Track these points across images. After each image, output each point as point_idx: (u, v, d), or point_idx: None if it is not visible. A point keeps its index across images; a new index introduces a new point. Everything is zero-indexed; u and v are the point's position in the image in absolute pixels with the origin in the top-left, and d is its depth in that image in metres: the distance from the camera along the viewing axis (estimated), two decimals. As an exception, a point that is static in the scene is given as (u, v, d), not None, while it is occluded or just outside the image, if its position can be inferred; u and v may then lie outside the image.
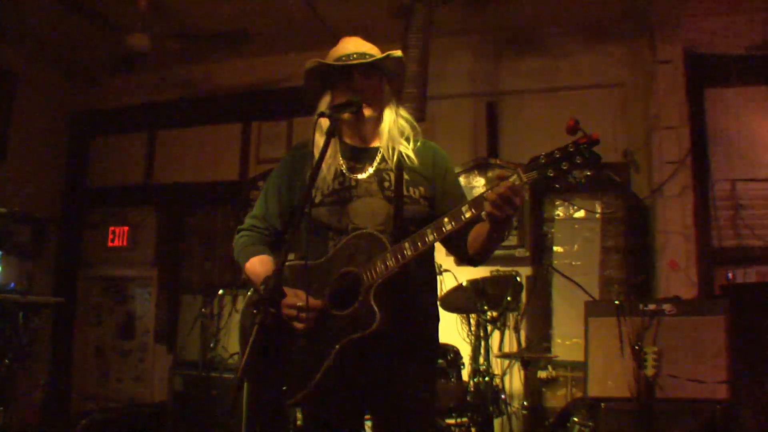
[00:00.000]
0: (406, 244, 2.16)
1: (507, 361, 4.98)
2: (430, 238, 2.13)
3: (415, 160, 2.39)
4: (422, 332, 2.37)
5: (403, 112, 2.50)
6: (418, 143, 2.47)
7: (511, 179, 2.00)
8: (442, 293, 4.50)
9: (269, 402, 2.36)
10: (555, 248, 5.62)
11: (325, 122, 2.38)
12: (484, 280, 4.50)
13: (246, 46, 5.88)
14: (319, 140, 2.37)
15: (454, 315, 5.06)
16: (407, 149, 2.42)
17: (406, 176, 2.37)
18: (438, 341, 2.49)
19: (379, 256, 2.18)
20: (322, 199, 2.38)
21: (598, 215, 5.52)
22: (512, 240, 5.56)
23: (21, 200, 6.37)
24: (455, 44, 5.94)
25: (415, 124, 2.51)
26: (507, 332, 5.31)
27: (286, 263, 2.35)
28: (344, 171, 2.40)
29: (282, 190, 2.51)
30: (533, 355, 4.72)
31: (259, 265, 2.40)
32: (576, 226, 5.60)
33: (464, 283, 4.46)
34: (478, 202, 2.07)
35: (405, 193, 2.35)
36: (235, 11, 5.62)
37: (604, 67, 5.57)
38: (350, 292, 2.20)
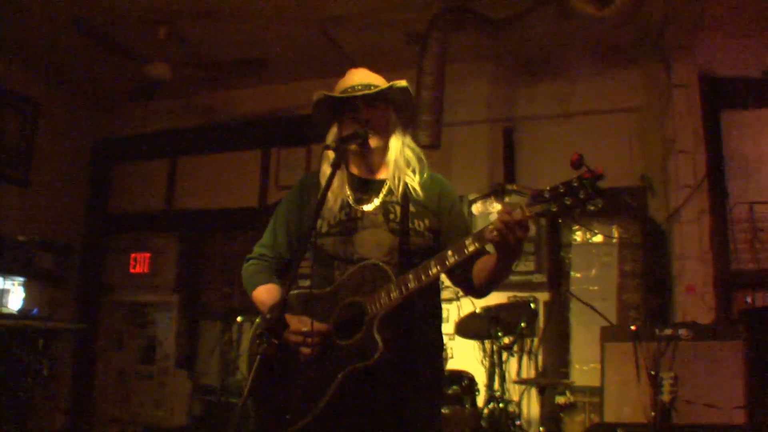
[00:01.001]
0: (410, 276, 2.18)
1: (524, 387, 4.97)
2: (434, 271, 2.16)
3: (421, 193, 2.42)
4: (426, 362, 2.37)
5: (409, 142, 2.53)
6: (425, 175, 2.50)
7: (514, 214, 2.04)
8: (458, 319, 4.53)
9: (273, 429, 2.36)
10: (572, 273, 5.60)
11: (331, 154, 2.44)
12: (498, 306, 4.52)
13: (265, 73, 5.97)
14: (326, 171, 2.42)
15: (471, 341, 5.07)
16: (413, 181, 2.45)
17: (411, 209, 2.40)
18: (442, 370, 2.55)
19: (383, 287, 2.21)
20: (329, 229, 2.41)
21: (615, 240, 5.51)
22: (529, 266, 5.57)
23: (43, 227, 6.52)
24: (471, 71, 5.99)
25: (421, 155, 2.54)
26: (524, 358, 5.31)
27: (293, 292, 2.40)
28: (350, 202, 2.44)
29: (290, 219, 2.55)
30: (549, 380, 4.72)
31: (265, 293, 2.44)
32: (593, 251, 5.59)
33: (478, 310, 4.48)
34: (481, 235, 2.11)
35: (410, 225, 2.37)
36: (253, 39, 5.72)
37: (619, 91, 5.59)
38: (354, 322, 2.23)
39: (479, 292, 2.38)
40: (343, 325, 2.26)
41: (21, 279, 6.28)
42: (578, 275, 5.59)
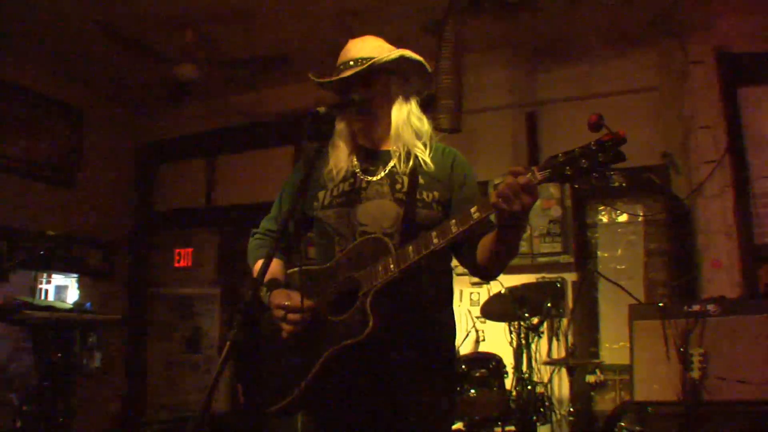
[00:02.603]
0: (410, 249, 1.93)
1: (554, 367, 4.71)
2: (435, 242, 1.89)
3: (431, 165, 2.18)
4: (431, 343, 2.11)
5: (416, 110, 2.27)
6: (438, 149, 2.26)
7: (527, 175, 1.76)
8: (483, 302, 4.29)
9: (259, 406, 2.14)
10: (599, 253, 5.34)
11: (340, 126, 2.25)
12: (524, 286, 4.28)
13: (291, 71, 5.81)
14: (336, 142, 2.25)
15: (500, 323, 4.83)
16: (423, 153, 2.20)
17: (420, 180, 2.15)
18: (452, 353, 2.25)
19: (381, 261, 1.96)
20: (331, 200, 2.20)
21: (640, 218, 5.23)
22: (556, 247, 5.31)
23: (92, 226, 6.47)
24: (491, 57, 5.74)
25: (428, 124, 2.29)
26: (552, 338, 5.07)
27: (293, 269, 2.22)
28: (357, 172, 2.22)
29: (295, 191, 2.29)
30: (579, 361, 4.45)
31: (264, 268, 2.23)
32: (619, 230, 5.32)
33: (503, 291, 4.23)
34: (486, 202, 1.84)
35: (418, 196, 2.12)
36: (275, 38, 5.56)
37: (636, 71, 5.28)
38: (351, 298, 2.00)
39: (486, 273, 2.11)
40: (339, 301, 2.03)
41: (75, 275, 6.28)
42: (605, 255, 5.33)
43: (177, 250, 7.10)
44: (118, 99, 6.94)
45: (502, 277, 5.15)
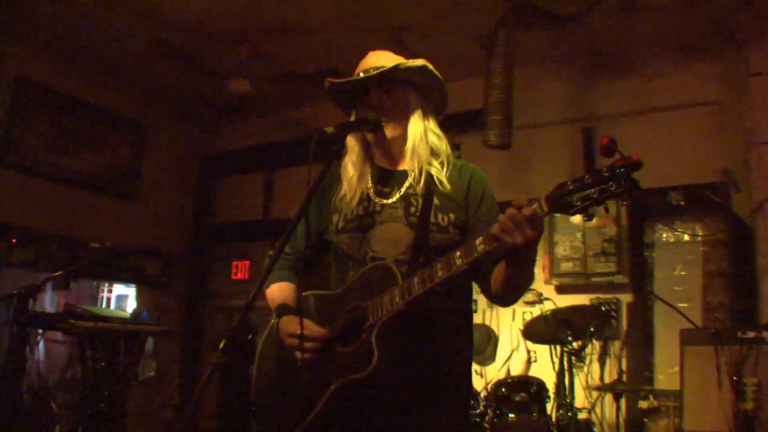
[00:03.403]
0: (415, 280, 1.86)
1: (600, 393, 4.55)
2: (440, 274, 1.82)
3: (447, 185, 2.10)
4: (444, 375, 2.02)
5: (434, 126, 2.21)
6: (456, 165, 2.18)
7: (533, 207, 1.68)
8: (526, 323, 4.19)
9: None
10: (656, 274, 5.14)
11: (351, 143, 2.21)
12: (568, 309, 4.14)
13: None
14: (347, 163, 2.20)
15: (544, 346, 4.73)
16: (439, 172, 2.13)
17: (435, 201, 2.07)
18: (468, 387, 2.17)
19: (388, 291, 1.90)
20: (344, 225, 2.13)
21: (699, 238, 5.02)
22: (611, 266, 5.16)
23: (151, 237, 6.66)
24: (545, 71, 5.66)
25: (446, 142, 2.22)
26: (607, 360, 4.92)
27: (308, 293, 2.17)
28: (371, 195, 2.15)
29: (311, 212, 2.26)
30: (626, 386, 4.28)
31: (278, 291, 2.20)
32: (677, 250, 5.11)
33: (546, 313, 4.12)
34: (490, 233, 1.76)
35: (432, 219, 2.04)
36: (329, 53, 5.61)
37: (696, 84, 5.09)
38: (357, 328, 1.95)
39: (500, 301, 2.03)
40: (348, 331, 1.98)
41: (134, 285, 6.49)
42: (662, 275, 5.12)
43: (235, 263, 7.22)
44: (179, 114, 7.16)
45: (554, 296, 5.16)
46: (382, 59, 2.20)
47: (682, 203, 4.92)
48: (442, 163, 2.17)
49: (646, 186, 5.00)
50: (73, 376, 5.26)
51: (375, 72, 2.13)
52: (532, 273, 1.95)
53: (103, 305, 6.31)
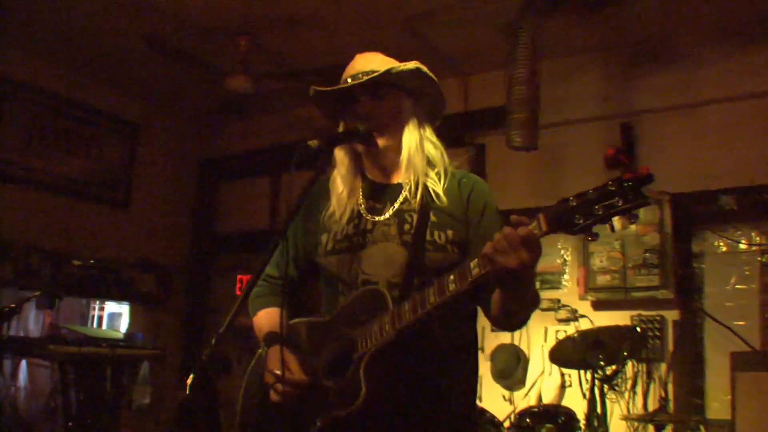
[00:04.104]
0: (407, 307, 1.87)
1: (641, 424, 4.50)
2: (432, 300, 1.83)
3: (444, 198, 2.12)
4: (442, 417, 2.02)
5: (430, 135, 2.22)
6: (455, 176, 2.20)
7: (530, 226, 1.69)
8: (552, 345, 4.16)
9: None
10: (706, 288, 5.08)
11: (339, 155, 2.22)
12: (600, 330, 4.10)
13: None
14: (336, 176, 2.22)
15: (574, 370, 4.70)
16: (435, 184, 2.14)
17: (432, 217, 2.08)
18: (471, 421, 2.16)
19: (378, 318, 1.91)
20: (334, 245, 2.15)
21: (756, 248, 4.94)
22: (654, 280, 5.08)
23: (145, 249, 6.73)
24: (578, 62, 5.62)
25: (444, 152, 2.23)
26: (651, 385, 4.88)
27: (295, 320, 2.19)
28: (362, 212, 2.16)
29: (297, 232, 2.30)
30: (670, 417, 4.23)
31: (265, 318, 2.23)
32: (730, 260, 5.05)
33: (574, 335, 4.09)
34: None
35: (428, 237, 2.05)
36: (339, 46, 5.62)
37: (750, 74, 4.99)
38: (346, 359, 1.96)
39: (502, 326, 2.06)
40: (336, 361, 1.99)
41: (127, 303, 6.55)
42: (712, 290, 5.07)
43: (239, 276, 7.24)
44: (176, 113, 7.24)
45: (590, 313, 5.13)
46: (371, 63, 2.21)
47: (734, 208, 4.86)
48: (438, 175, 2.18)
49: (693, 189, 4.95)
50: (59, 404, 5.33)
51: (365, 77, 2.13)
52: (533, 296, 1.95)
53: (94, 324, 6.38)
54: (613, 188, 1.60)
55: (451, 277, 1.82)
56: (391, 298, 1.94)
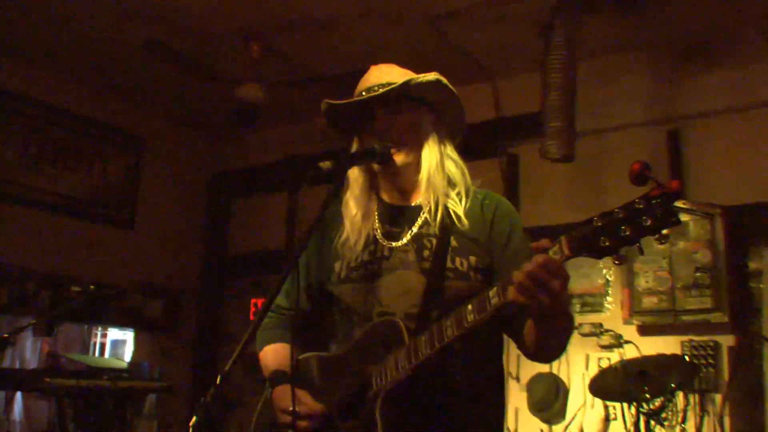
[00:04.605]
0: (423, 340, 1.88)
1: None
2: (450, 332, 1.84)
3: (466, 221, 2.12)
4: None
5: (451, 152, 2.23)
6: (477, 197, 2.20)
7: (551, 251, 1.69)
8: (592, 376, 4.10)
9: None
10: (764, 310, 4.96)
11: (355, 175, 2.22)
12: (644, 359, 4.03)
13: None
14: (349, 200, 2.22)
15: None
16: (456, 205, 2.15)
17: (453, 242, 2.10)
18: None
19: (394, 353, 1.93)
20: (348, 273, 2.16)
21: (823, 264, 4.87)
22: (706, 302, 4.99)
23: (152, 272, 6.76)
24: (619, 63, 5.59)
25: (465, 170, 2.24)
26: (704, 418, 4.78)
27: (303, 355, 2.19)
28: (378, 237, 2.18)
29: (309, 259, 2.31)
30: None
31: (271, 355, 2.24)
32: (793, 280, 4.96)
33: (616, 365, 4.03)
34: (507, 285, 1.76)
35: (449, 264, 2.06)
36: (358, 50, 5.64)
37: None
38: (361, 398, 1.97)
39: (538, 359, 2.07)
40: (351, 401, 2.00)
41: (131, 329, 6.57)
42: (773, 312, 4.96)
43: (254, 300, 7.25)
44: (184, 126, 7.30)
45: (636, 338, 5.07)
46: (387, 74, 2.22)
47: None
48: (460, 195, 2.19)
49: (748, 201, 4.88)
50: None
51: (381, 90, 2.14)
52: (569, 322, 1.95)
53: (96, 353, 6.41)
54: (641, 206, 1.59)
55: (469, 307, 1.82)
56: (407, 330, 1.95)
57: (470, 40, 5.52)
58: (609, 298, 5.39)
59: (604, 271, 5.44)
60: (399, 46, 5.63)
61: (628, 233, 1.59)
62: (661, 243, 1.60)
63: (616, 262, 1.66)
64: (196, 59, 5.46)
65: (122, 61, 6.02)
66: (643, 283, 5.12)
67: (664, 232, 1.58)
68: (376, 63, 5.51)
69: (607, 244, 1.62)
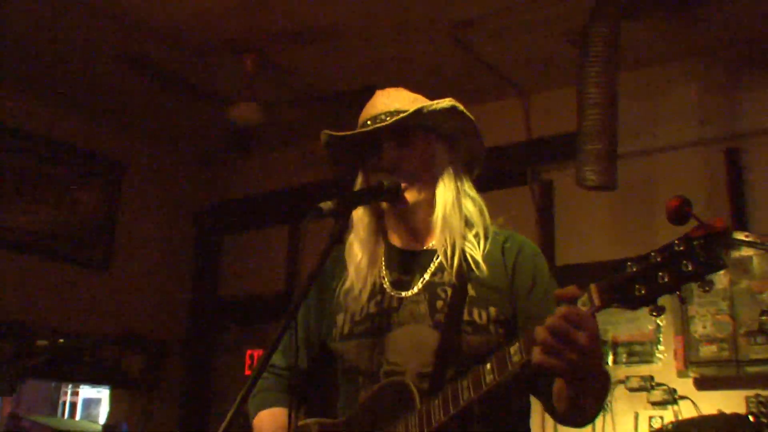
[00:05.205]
0: (437, 403, 1.88)
1: None
2: (466, 395, 1.83)
3: (485, 267, 2.12)
4: None
5: (469, 188, 2.26)
6: (497, 239, 2.21)
7: (579, 301, 1.69)
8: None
9: None
10: None
11: (359, 213, 2.23)
12: (703, 419, 3.99)
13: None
14: (353, 243, 2.23)
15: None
16: (474, 249, 2.15)
17: (470, 291, 2.10)
18: None
19: (403, 419, 1.94)
20: (352, 328, 2.18)
21: None
22: (771, 350, 4.99)
23: (131, 321, 6.76)
24: (669, 75, 5.61)
25: (484, 208, 2.25)
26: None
27: (312, 420, 2.21)
28: (385, 286, 2.19)
29: (309, 311, 2.33)
30: None
31: (267, 422, 2.25)
32: None
33: (669, 425, 3.99)
34: (529, 340, 1.75)
35: (466, 317, 2.06)
36: (366, 63, 5.69)
37: None
38: None
39: (570, 424, 2.04)
40: None
41: (106, 387, 6.56)
42: None
43: (249, 352, 7.25)
44: (169, 151, 7.37)
45: (693, 393, 5.08)
46: (396, 101, 2.24)
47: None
48: (478, 237, 2.20)
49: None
50: None
51: (389, 119, 2.15)
52: (603, 380, 1.93)
53: (65, 414, 6.40)
54: (681, 248, 1.57)
55: (488, 366, 1.83)
56: (419, 392, 1.96)
57: (496, 51, 5.55)
58: (660, 347, 5.35)
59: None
60: (414, 59, 5.68)
61: (666, 280, 1.58)
62: (705, 290, 1.59)
63: (654, 314, 1.64)
64: (182, 76, 5.51)
65: (98, 77, 6.07)
66: (700, 328, 5.09)
67: (708, 278, 1.56)
68: (387, 77, 5.55)
69: (642, 292, 1.61)
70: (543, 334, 1.67)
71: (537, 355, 1.69)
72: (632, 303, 1.63)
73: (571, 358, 1.66)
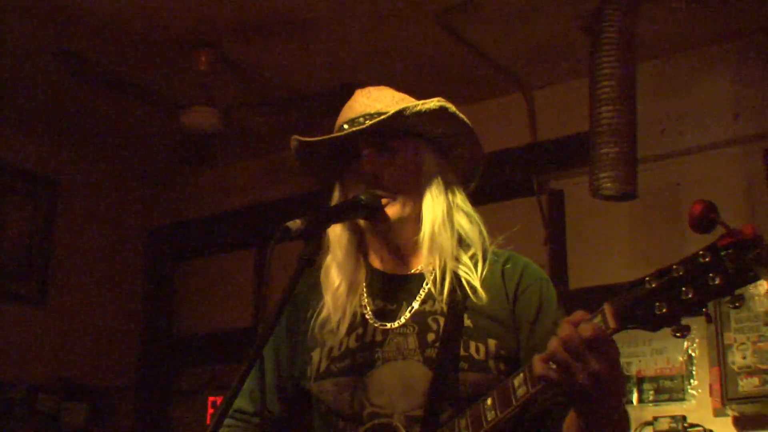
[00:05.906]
0: None
1: None
2: None
3: (483, 294, 2.15)
4: None
5: (462, 202, 2.28)
6: (496, 260, 2.24)
7: (582, 327, 1.67)
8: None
9: None
10: None
11: (336, 232, 2.25)
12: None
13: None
14: (329, 267, 2.26)
15: None
16: (470, 273, 2.18)
17: (467, 322, 2.13)
18: None
19: None
20: (329, 365, 2.19)
21: None
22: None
23: (71, 364, 6.72)
24: (696, 64, 5.65)
25: (481, 225, 2.28)
26: None
27: None
28: (367, 316, 2.21)
29: (280, 347, 2.34)
30: None
31: None
32: None
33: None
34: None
35: (462, 352, 2.08)
36: (342, 57, 5.71)
37: None
38: None
39: None
40: None
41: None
42: None
43: (211, 399, 7.25)
44: (113, 165, 7.36)
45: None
46: (377, 101, 2.26)
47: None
48: (474, 259, 2.22)
49: None
50: None
51: (368, 122, 2.17)
52: (621, 416, 1.91)
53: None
54: (707, 259, 1.57)
55: (489, 401, 1.85)
56: None
57: (493, 39, 5.58)
58: (693, 381, 5.38)
59: (686, 344, 5.43)
60: (400, 51, 5.71)
61: (690, 296, 1.58)
62: (735, 307, 1.60)
63: (677, 335, 1.63)
64: (126, 77, 5.51)
65: (27, 79, 6.08)
66: (738, 358, 5.10)
67: (738, 292, 1.56)
68: (367, 74, 5.60)
69: (664, 311, 1.61)
70: (554, 346, 1.68)
71: (538, 365, 1.71)
72: (652, 324, 1.63)
73: (580, 379, 1.66)
